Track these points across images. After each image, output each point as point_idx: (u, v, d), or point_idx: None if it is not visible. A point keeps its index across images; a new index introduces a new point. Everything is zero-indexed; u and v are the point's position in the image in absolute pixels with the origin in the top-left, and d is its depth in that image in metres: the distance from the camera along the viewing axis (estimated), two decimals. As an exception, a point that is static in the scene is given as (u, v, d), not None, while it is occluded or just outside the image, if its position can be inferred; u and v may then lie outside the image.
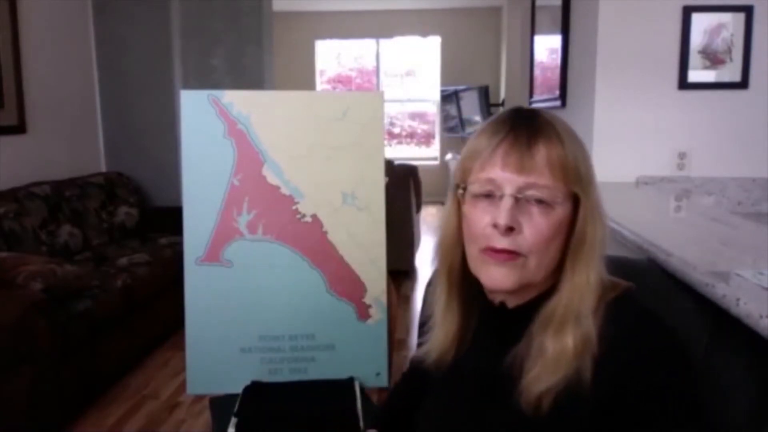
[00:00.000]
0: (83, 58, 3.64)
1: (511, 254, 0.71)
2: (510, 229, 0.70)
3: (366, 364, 1.56)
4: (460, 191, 0.76)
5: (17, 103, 2.99)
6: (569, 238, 0.73)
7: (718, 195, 2.05)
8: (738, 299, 0.80)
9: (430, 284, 0.90)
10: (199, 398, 2.30)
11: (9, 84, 2.93)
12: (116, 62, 3.73)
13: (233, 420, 1.36)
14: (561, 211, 0.71)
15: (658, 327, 0.70)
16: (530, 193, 0.70)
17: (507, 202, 0.70)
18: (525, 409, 0.69)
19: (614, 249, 1.42)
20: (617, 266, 1.05)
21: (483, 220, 0.72)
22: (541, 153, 0.70)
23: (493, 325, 0.80)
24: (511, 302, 0.77)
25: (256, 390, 1.49)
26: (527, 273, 0.72)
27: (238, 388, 1.49)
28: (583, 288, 0.71)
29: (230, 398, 1.46)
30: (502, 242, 0.71)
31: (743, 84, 2.04)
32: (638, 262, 1.07)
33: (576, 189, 0.72)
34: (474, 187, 0.74)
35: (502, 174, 0.71)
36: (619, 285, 0.74)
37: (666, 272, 0.98)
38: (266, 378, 1.53)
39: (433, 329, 0.83)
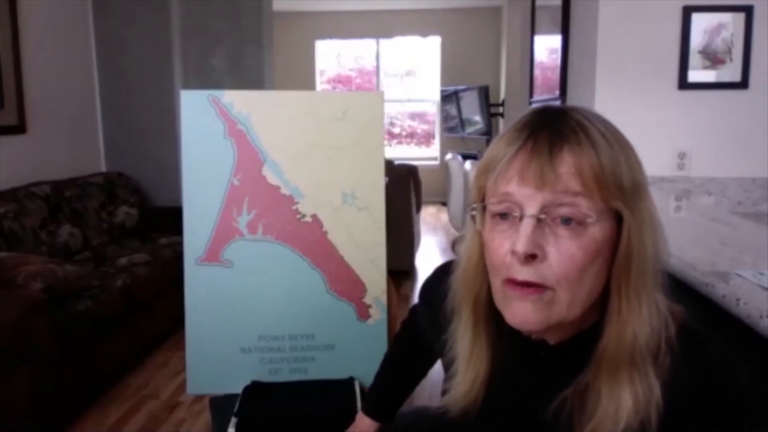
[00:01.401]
0: (83, 58, 3.64)
1: (536, 287, 0.59)
2: (532, 257, 0.58)
3: (366, 364, 1.56)
4: (475, 213, 0.64)
5: (17, 103, 2.99)
6: (613, 262, 0.60)
7: (718, 195, 2.05)
8: (738, 299, 0.80)
9: (437, 308, 0.77)
10: (199, 398, 2.30)
11: (9, 84, 2.93)
12: (116, 62, 3.73)
13: (233, 420, 1.36)
14: (598, 232, 0.58)
15: (728, 370, 0.61)
16: (556, 211, 0.58)
17: (527, 225, 0.58)
18: None
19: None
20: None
21: (503, 246, 0.61)
22: (568, 162, 0.58)
23: (532, 363, 0.69)
24: (552, 339, 0.66)
25: (256, 390, 1.49)
26: (558, 309, 0.60)
27: (238, 388, 1.49)
28: (634, 322, 0.59)
29: (230, 398, 1.47)
30: (522, 273, 0.59)
31: (743, 84, 2.04)
32: (638, 262, 1.07)
33: (616, 204, 0.58)
34: (491, 207, 0.62)
35: (519, 190, 0.59)
36: (675, 313, 0.63)
37: (666, 272, 0.98)
38: (266, 378, 1.53)
39: (457, 376, 0.71)
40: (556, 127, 0.60)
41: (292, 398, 1.48)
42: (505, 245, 0.60)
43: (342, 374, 1.54)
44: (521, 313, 0.60)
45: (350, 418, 1.10)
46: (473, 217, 0.65)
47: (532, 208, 0.59)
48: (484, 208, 0.63)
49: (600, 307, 0.62)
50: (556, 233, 0.58)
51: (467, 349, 0.70)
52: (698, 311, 0.89)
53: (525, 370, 0.69)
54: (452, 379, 0.72)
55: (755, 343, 0.79)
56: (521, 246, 0.58)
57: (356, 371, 1.55)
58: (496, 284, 0.63)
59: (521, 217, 0.59)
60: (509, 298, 0.61)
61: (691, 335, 0.63)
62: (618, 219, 0.60)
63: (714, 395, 0.59)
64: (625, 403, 0.58)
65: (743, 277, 0.88)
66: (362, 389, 1.51)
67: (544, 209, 0.58)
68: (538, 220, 0.58)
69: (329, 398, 1.48)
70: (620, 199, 0.58)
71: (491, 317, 0.68)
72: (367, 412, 1.06)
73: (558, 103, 2.56)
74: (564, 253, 0.58)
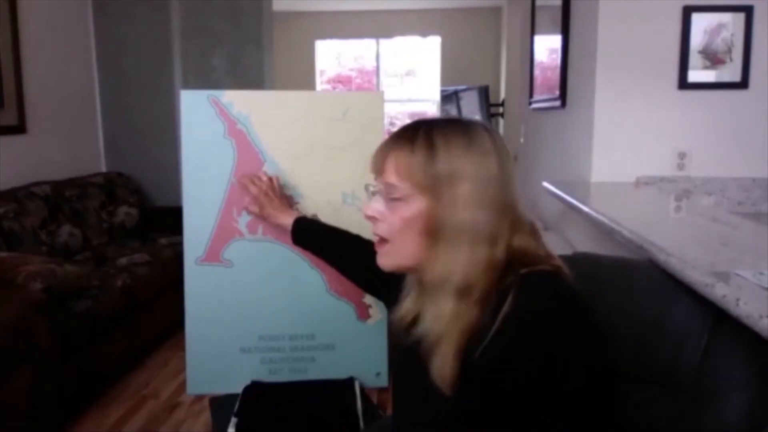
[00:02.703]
0: (83, 58, 3.64)
1: (380, 241, 0.87)
2: (373, 219, 0.87)
3: (366, 364, 1.56)
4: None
5: (17, 103, 2.99)
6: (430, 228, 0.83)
7: (718, 195, 2.05)
8: (738, 299, 0.80)
9: None
10: (199, 398, 2.31)
11: (9, 84, 2.93)
12: (116, 62, 3.73)
13: (233, 420, 1.36)
14: (414, 204, 0.82)
15: (566, 299, 0.76)
16: (388, 191, 0.85)
17: (373, 198, 0.88)
18: (433, 376, 0.79)
19: (614, 249, 1.43)
20: (617, 266, 1.06)
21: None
22: (390, 158, 0.85)
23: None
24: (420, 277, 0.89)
25: (256, 390, 1.49)
26: (395, 257, 0.86)
27: (238, 388, 1.49)
28: (449, 265, 0.79)
29: (230, 398, 1.47)
30: (372, 230, 0.88)
31: (743, 84, 2.04)
32: (638, 262, 1.07)
33: (422, 187, 0.82)
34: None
35: (373, 176, 0.89)
36: (542, 263, 0.79)
37: (666, 272, 0.98)
38: (266, 378, 1.53)
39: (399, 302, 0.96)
40: (401, 133, 0.86)
41: (292, 398, 1.48)
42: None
43: (342, 374, 1.54)
44: (377, 258, 0.89)
45: (350, 418, 1.11)
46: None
47: (378, 187, 0.88)
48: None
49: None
50: (390, 206, 0.85)
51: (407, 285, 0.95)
52: (698, 311, 0.89)
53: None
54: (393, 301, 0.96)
55: (755, 343, 0.79)
56: (365, 210, 0.89)
57: (356, 371, 1.55)
58: None
59: (374, 193, 0.89)
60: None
61: (538, 277, 0.77)
62: (435, 199, 0.82)
63: (530, 322, 0.73)
64: (442, 315, 0.79)
65: (743, 277, 0.88)
66: (362, 389, 1.51)
67: (382, 189, 0.86)
68: (383, 196, 0.86)
69: (329, 398, 1.48)
70: (425, 183, 0.81)
71: None
72: (297, 217, 1.38)
73: (558, 103, 2.56)
74: (390, 218, 0.85)
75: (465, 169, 0.81)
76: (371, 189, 0.90)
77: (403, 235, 0.84)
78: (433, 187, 0.82)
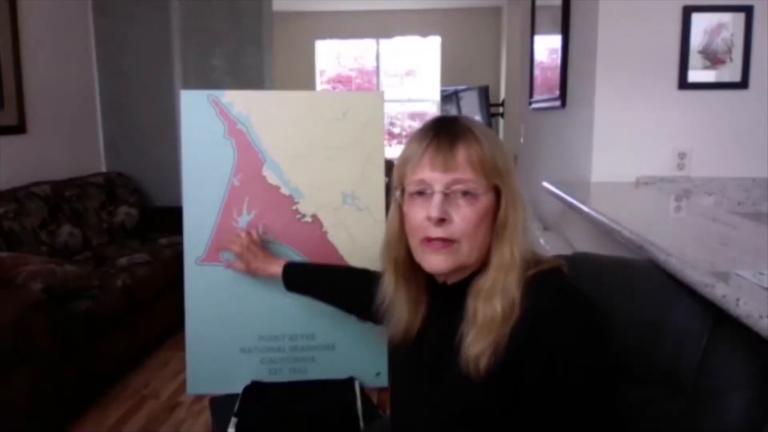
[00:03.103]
0: (83, 58, 3.64)
1: (445, 242, 0.82)
2: (441, 221, 0.81)
3: (366, 364, 1.56)
4: (398, 193, 0.87)
5: (17, 103, 2.99)
6: (495, 222, 0.84)
7: (718, 195, 2.05)
8: (738, 299, 0.79)
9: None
10: (199, 398, 2.31)
11: (9, 84, 2.93)
12: (116, 62, 3.73)
13: (233, 420, 1.36)
14: (485, 200, 0.82)
15: (568, 299, 0.80)
16: (456, 187, 0.82)
17: (437, 198, 0.82)
18: (466, 372, 0.79)
19: (614, 249, 1.43)
20: (617, 266, 1.06)
21: (419, 215, 0.84)
22: (462, 153, 0.82)
23: (440, 301, 0.92)
24: (451, 280, 0.89)
25: (256, 390, 1.49)
26: (461, 256, 0.83)
27: (238, 388, 1.49)
28: (507, 263, 0.81)
29: (230, 398, 1.46)
30: (436, 232, 0.82)
31: (743, 84, 2.04)
32: (638, 262, 1.07)
33: (496, 181, 0.83)
34: (409, 188, 0.85)
35: (431, 174, 0.82)
36: (546, 262, 0.84)
37: (666, 272, 0.98)
38: (266, 378, 1.53)
39: (390, 315, 0.95)
40: (451, 129, 0.84)
41: (292, 398, 1.48)
42: (421, 213, 0.83)
43: (342, 374, 1.54)
44: (436, 261, 0.84)
45: (350, 418, 1.12)
46: (396, 197, 0.89)
47: (439, 186, 0.82)
48: (403, 190, 0.87)
49: (486, 255, 0.85)
50: (457, 203, 0.82)
51: (391, 297, 0.94)
52: (698, 311, 0.89)
53: (436, 307, 0.93)
54: (387, 320, 0.96)
55: (755, 343, 0.79)
56: (434, 212, 0.81)
57: (356, 371, 1.55)
58: (415, 243, 0.86)
59: (432, 193, 0.82)
60: (426, 252, 0.84)
61: (549, 274, 0.83)
62: (497, 194, 0.83)
63: (548, 312, 0.78)
64: (495, 319, 0.79)
65: (743, 277, 0.88)
66: (362, 389, 1.51)
67: (448, 186, 0.82)
68: (445, 195, 0.82)
69: (329, 398, 1.48)
70: (498, 177, 0.83)
71: (409, 273, 0.92)
72: (285, 264, 1.35)
73: (558, 103, 2.56)
74: (464, 215, 0.82)
75: (510, 164, 0.85)
76: (411, 190, 0.85)
77: (476, 232, 0.82)
78: (501, 180, 0.83)
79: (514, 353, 0.77)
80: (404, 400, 0.96)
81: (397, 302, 0.93)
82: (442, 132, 0.84)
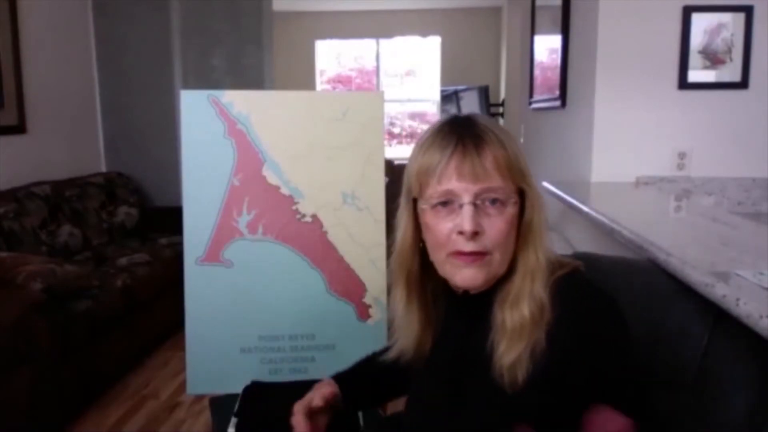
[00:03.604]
0: (83, 58, 3.64)
1: (478, 254, 0.77)
2: (475, 234, 0.76)
3: (366, 364, 1.56)
4: (422, 206, 0.81)
5: (17, 103, 2.99)
6: (519, 226, 0.80)
7: (718, 195, 2.05)
8: (738, 299, 0.79)
9: None
10: (199, 398, 2.31)
11: (9, 84, 2.93)
12: (116, 62, 3.73)
13: (233, 420, 1.36)
14: (512, 207, 0.78)
15: (600, 297, 0.78)
16: (485, 196, 0.77)
17: (468, 210, 0.76)
18: (501, 383, 0.75)
19: (614, 249, 1.43)
20: (617, 266, 1.06)
21: (446, 227, 0.78)
22: (489, 159, 0.77)
23: (460, 312, 0.86)
24: (474, 290, 0.82)
25: (256, 390, 1.49)
26: (494, 268, 0.79)
27: (238, 388, 1.49)
28: (534, 267, 0.78)
29: (230, 398, 1.46)
30: (469, 246, 0.77)
31: (743, 84, 2.04)
32: (638, 262, 1.07)
33: (522, 184, 0.79)
34: (433, 200, 0.79)
35: (458, 184, 0.77)
36: (567, 264, 0.81)
37: (666, 272, 0.98)
38: (266, 378, 1.53)
39: (398, 331, 0.91)
40: (473, 132, 0.78)
41: (292, 398, 1.48)
42: (448, 226, 0.78)
43: (342, 374, 1.54)
44: (469, 275, 0.78)
45: (350, 418, 1.11)
46: (417, 209, 0.82)
47: (469, 197, 0.76)
48: (416, 200, 0.82)
49: (510, 261, 0.80)
50: (487, 213, 0.77)
51: (402, 311, 0.89)
52: (698, 311, 0.89)
53: (456, 318, 0.87)
54: (393, 336, 0.92)
55: (755, 343, 0.79)
56: (468, 226, 0.75)
57: (356, 371, 1.55)
58: (442, 257, 0.80)
59: (461, 205, 0.77)
60: (457, 266, 0.79)
61: (575, 275, 0.80)
62: (521, 196, 0.79)
63: (584, 312, 0.76)
64: (525, 324, 0.75)
65: (743, 277, 0.88)
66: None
67: (477, 196, 0.77)
68: (474, 205, 0.76)
69: (329, 398, 1.48)
70: (524, 180, 0.79)
71: (420, 286, 0.87)
72: (335, 377, 1.10)
73: (558, 103, 2.56)
74: (496, 226, 0.77)
75: (526, 161, 0.82)
76: (434, 201, 0.79)
77: (507, 241, 0.78)
78: (525, 182, 0.79)
79: (555, 357, 0.73)
80: (423, 419, 0.89)
81: (409, 317, 0.89)
82: (466, 136, 0.78)
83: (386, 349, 1.04)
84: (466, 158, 0.76)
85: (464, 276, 0.79)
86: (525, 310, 0.76)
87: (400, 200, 0.87)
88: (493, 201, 0.77)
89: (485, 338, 0.79)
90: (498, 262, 0.78)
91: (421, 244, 0.85)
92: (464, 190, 0.76)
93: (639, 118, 2.09)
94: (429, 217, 0.80)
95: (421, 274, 0.86)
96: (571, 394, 0.74)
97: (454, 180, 0.77)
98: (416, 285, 0.87)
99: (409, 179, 0.84)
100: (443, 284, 0.85)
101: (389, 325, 0.96)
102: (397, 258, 0.87)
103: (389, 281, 0.92)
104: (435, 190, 0.78)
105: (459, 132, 0.79)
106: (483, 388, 0.78)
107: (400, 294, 0.88)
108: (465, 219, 0.76)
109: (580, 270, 0.82)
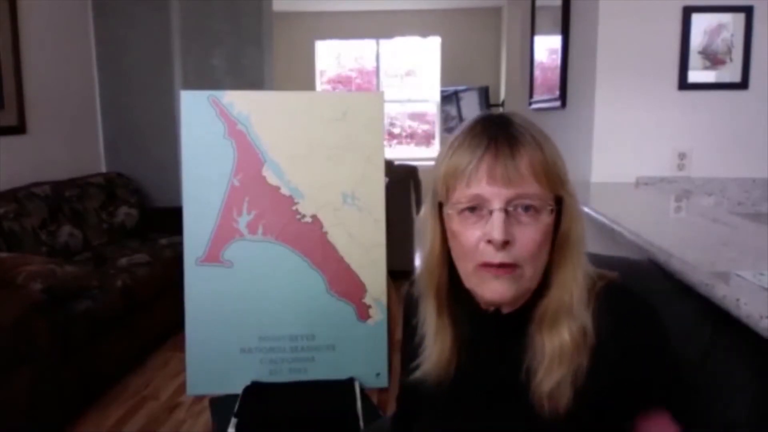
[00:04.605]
0: (83, 58, 3.64)
1: (509, 267, 0.70)
2: (505, 243, 0.69)
3: (366, 365, 1.56)
4: (449, 211, 0.74)
5: (17, 103, 2.99)
6: (555, 238, 0.73)
7: (718, 195, 2.05)
8: (738, 300, 0.79)
9: (408, 304, 0.90)
10: (199, 398, 2.30)
11: (9, 84, 2.93)
12: (116, 62, 3.73)
13: (233, 420, 1.36)
14: (548, 215, 0.71)
15: (647, 310, 0.75)
16: (518, 202, 0.70)
17: (498, 217, 0.69)
18: (540, 410, 0.70)
19: (614, 249, 1.43)
20: (617, 266, 1.05)
21: (474, 235, 0.71)
22: (525, 161, 0.69)
23: (490, 332, 0.79)
24: (506, 308, 0.76)
25: (256, 390, 1.49)
26: (525, 282, 0.72)
27: (238, 389, 1.49)
28: (571, 284, 0.72)
29: (230, 398, 1.47)
30: (498, 257, 0.70)
31: (743, 84, 2.04)
32: (638, 263, 1.07)
33: (560, 191, 0.72)
34: (460, 204, 0.72)
35: (489, 189, 0.69)
36: (605, 275, 0.77)
37: (666, 273, 0.98)
38: (266, 378, 1.53)
39: (426, 350, 0.81)
40: (509, 132, 0.71)
41: (292, 398, 1.48)
42: (476, 234, 0.71)
43: (342, 374, 1.54)
44: (499, 289, 0.71)
45: (350, 418, 1.10)
46: (443, 214, 0.75)
47: (500, 203, 0.69)
48: (453, 206, 0.73)
49: (544, 275, 0.74)
50: (519, 221, 0.70)
51: (433, 327, 0.80)
52: (698, 312, 0.89)
53: (486, 339, 0.79)
54: (422, 354, 0.82)
55: (755, 343, 0.79)
56: (498, 235, 0.68)
57: (356, 371, 1.55)
58: (468, 268, 0.73)
59: (491, 211, 0.69)
60: (485, 279, 0.72)
61: (616, 287, 0.76)
62: (557, 203, 0.72)
63: (635, 329, 0.73)
64: (566, 348, 0.71)
65: (743, 277, 0.88)
66: (362, 390, 1.51)
67: (509, 202, 0.69)
68: (506, 212, 0.69)
69: (329, 398, 1.48)
70: (562, 187, 0.73)
71: (451, 298, 0.79)
72: None
73: (558, 103, 2.56)
74: (528, 236, 0.70)
75: (566, 168, 0.75)
76: (462, 206, 0.72)
77: (539, 254, 0.71)
78: (564, 189, 0.73)
79: (601, 379, 0.70)
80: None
81: (439, 335, 0.80)
82: (500, 136, 0.71)
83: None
84: (499, 160, 0.69)
85: (492, 289, 0.71)
86: (565, 333, 0.70)
87: (423, 206, 0.80)
88: (527, 208, 0.70)
89: (520, 362, 0.73)
90: (529, 277, 0.71)
91: (448, 254, 0.77)
92: (495, 195, 0.69)
93: (639, 118, 2.09)
94: (455, 224, 0.73)
95: (450, 286, 0.79)
96: (617, 413, 0.72)
97: (484, 183, 0.69)
98: (446, 297, 0.79)
99: (435, 182, 0.76)
100: (472, 300, 0.78)
101: (407, 341, 0.88)
102: (425, 270, 0.79)
103: (417, 293, 0.84)
104: (463, 194, 0.71)
105: (492, 131, 0.71)
106: (520, 417, 0.73)
107: (429, 308, 0.80)
108: (495, 227, 0.68)
109: (618, 281, 0.78)
